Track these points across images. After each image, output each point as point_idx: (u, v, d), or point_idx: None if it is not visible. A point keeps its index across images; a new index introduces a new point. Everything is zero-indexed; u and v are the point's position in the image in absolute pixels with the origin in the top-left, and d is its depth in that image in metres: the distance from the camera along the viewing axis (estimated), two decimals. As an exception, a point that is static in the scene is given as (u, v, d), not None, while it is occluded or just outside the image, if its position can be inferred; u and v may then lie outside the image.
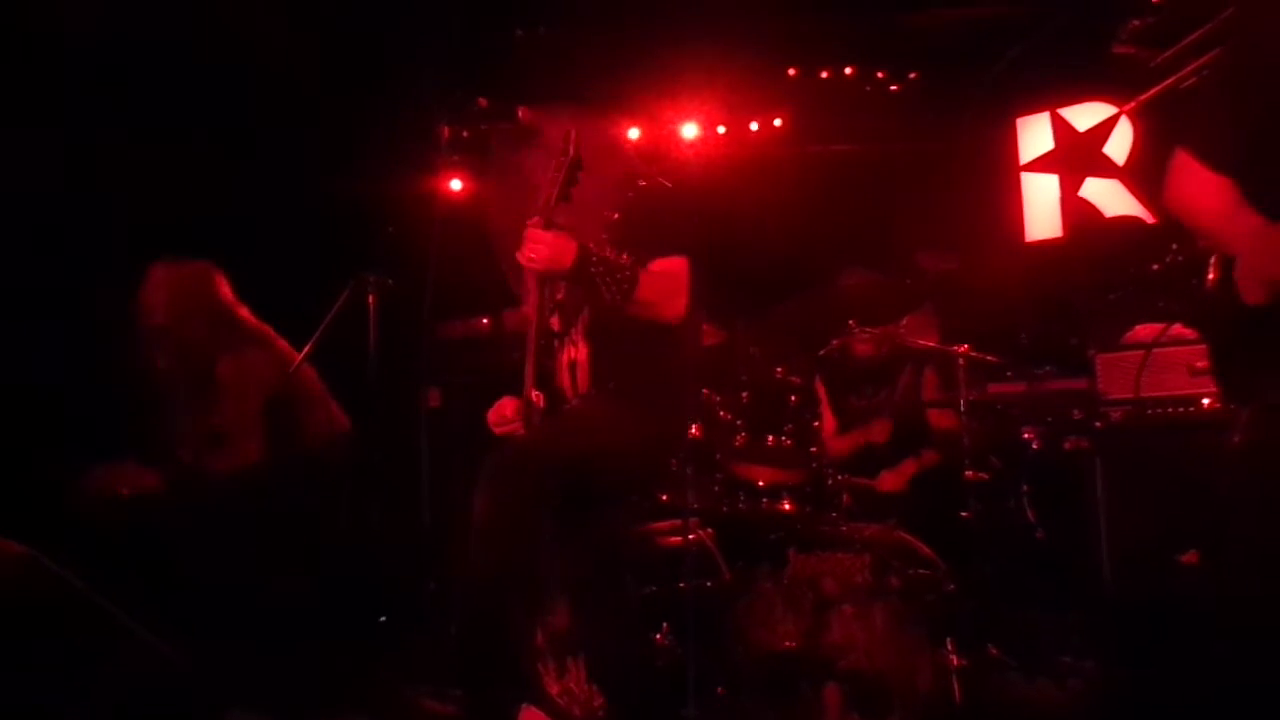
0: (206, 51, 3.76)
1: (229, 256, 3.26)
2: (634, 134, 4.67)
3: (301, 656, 3.18)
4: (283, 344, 3.27)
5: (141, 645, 2.20)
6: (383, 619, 3.69)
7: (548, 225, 2.34)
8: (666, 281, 2.43)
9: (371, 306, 2.95)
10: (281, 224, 3.82)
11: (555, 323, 2.56)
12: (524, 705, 2.74)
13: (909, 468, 3.69)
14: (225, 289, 3.21)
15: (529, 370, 2.44)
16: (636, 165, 2.67)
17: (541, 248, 2.32)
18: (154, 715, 2.23)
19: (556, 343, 2.58)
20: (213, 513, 3.04)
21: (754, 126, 4.89)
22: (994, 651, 3.00)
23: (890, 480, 3.66)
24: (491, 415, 2.61)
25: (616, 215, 2.45)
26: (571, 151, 2.37)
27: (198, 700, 2.32)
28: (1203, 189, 1.99)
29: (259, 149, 3.90)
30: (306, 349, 2.98)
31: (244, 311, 3.24)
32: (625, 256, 2.36)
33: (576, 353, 2.54)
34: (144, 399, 3.17)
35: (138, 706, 2.19)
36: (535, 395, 2.45)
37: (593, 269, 2.32)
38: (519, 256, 2.36)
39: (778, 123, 4.88)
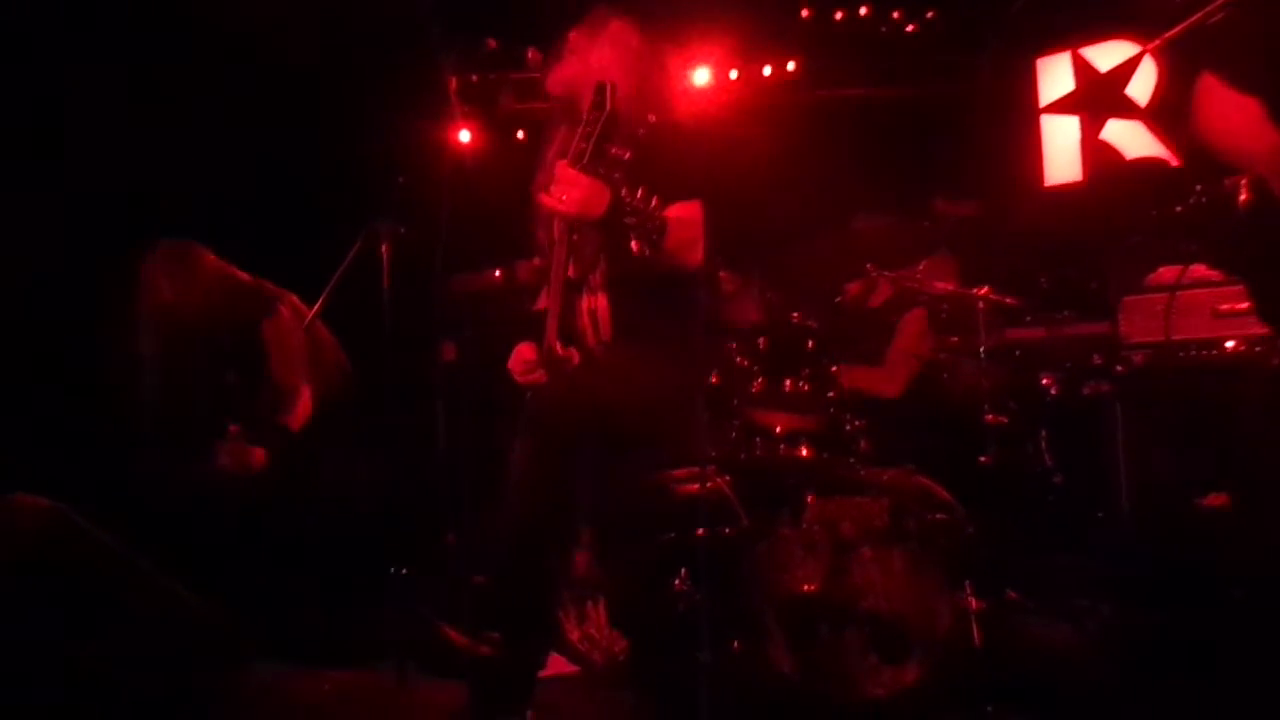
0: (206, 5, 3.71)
1: (240, 206, 3.25)
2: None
3: (326, 607, 3.22)
4: (293, 298, 3.28)
5: (172, 597, 2.23)
6: (403, 571, 3.70)
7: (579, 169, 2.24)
8: (686, 229, 2.35)
9: (384, 256, 2.93)
10: (292, 175, 3.79)
11: (571, 270, 2.50)
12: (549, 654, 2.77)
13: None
14: (210, 259, 3.22)
15: (552, 320, 2.37)
16: (645, 102, 2.49)
17: (575, 190, 2.22)
18: (183, 666, 2.26)
19: (574, 292, 2.51)
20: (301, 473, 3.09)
21: (767, 71, 4.80)
22: (1012, 595, 3.01)
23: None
24: (513, 363, 2.54)
25: (629, 155, 2.32)
26: (608, 106, 2.26)
27: (226, 651, 2.35)
28: (1229, 111, 1.96)
29: (267, 100, 3.86)
30: (321, 299, 2.97)
31: (242, 275, 3.25)
32: (655, 203, 2.25)
33: (595, 302, 2.48)
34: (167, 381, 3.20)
35: (167, 657, 2.21)
36: (559, 346, 2.38)
37: (627, 219, 2.22)
38: (545, 199, 2.28)
39: (791, 66, 4.80)
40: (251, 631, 2.56)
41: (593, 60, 2.44)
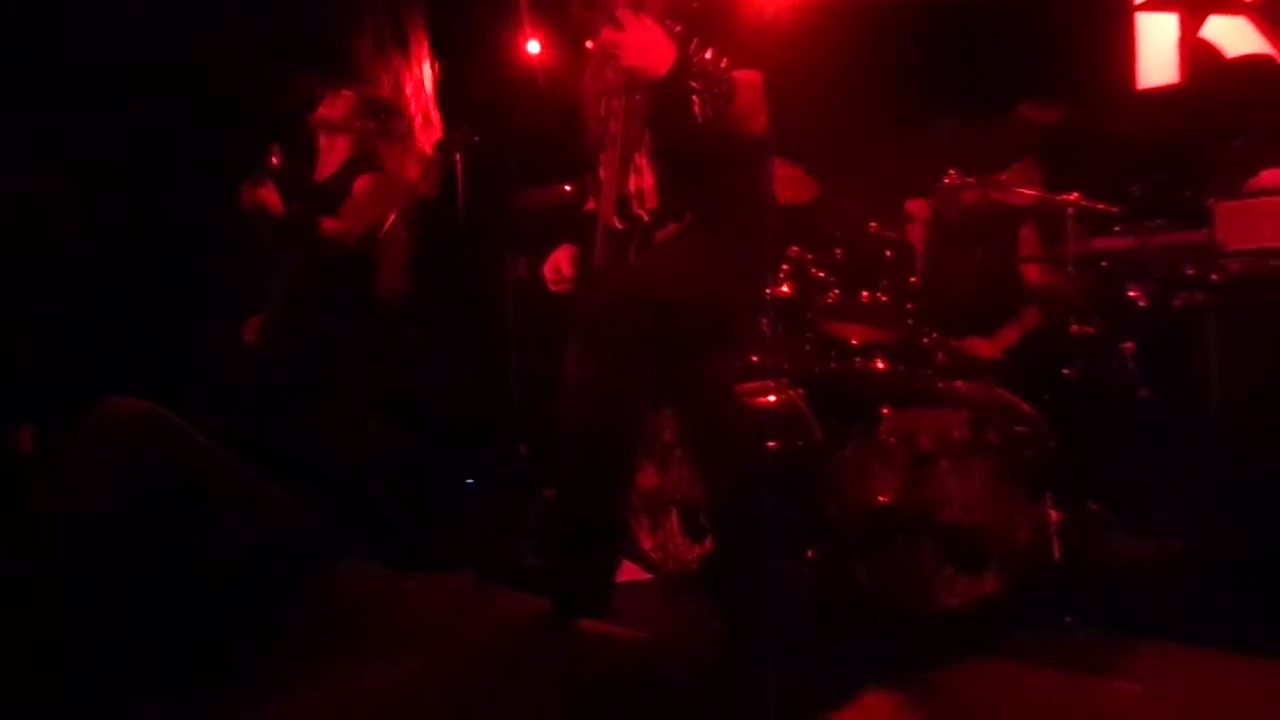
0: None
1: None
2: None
3: (406, 513, 3.31)
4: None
5: (262, 494, 2.29)
6: (470, 481, 3.77)
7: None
8: (751, 92, 2.15)
9: (459, 165, 2.92)
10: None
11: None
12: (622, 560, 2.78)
13: (1010, 335, 3.57)
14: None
15: (609, 193, 2.24)
16: None
17: (638, 40, 2.02)
18: (273, 561, 2.33)
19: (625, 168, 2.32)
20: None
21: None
22: (1094, 507, 2.96)
23: (985, 348, 3.55)
24: (547, 270, 2.45)
25: (680, 28, 2.10)
26: None
27: (314, 548, 2.41)
28: None
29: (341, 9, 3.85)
30: (398, 208, 2.98)
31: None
32: (725, 65, 2.03)
33: (642, 181, 2.30)
34: None
35: (258, 552, 2.29)
36: (618, 221, 2.25)
37: (692, 81, 2.00)
38: (603, 40, 2.10)
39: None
40: (336, 531, 2.63)
41: None
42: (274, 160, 3.09)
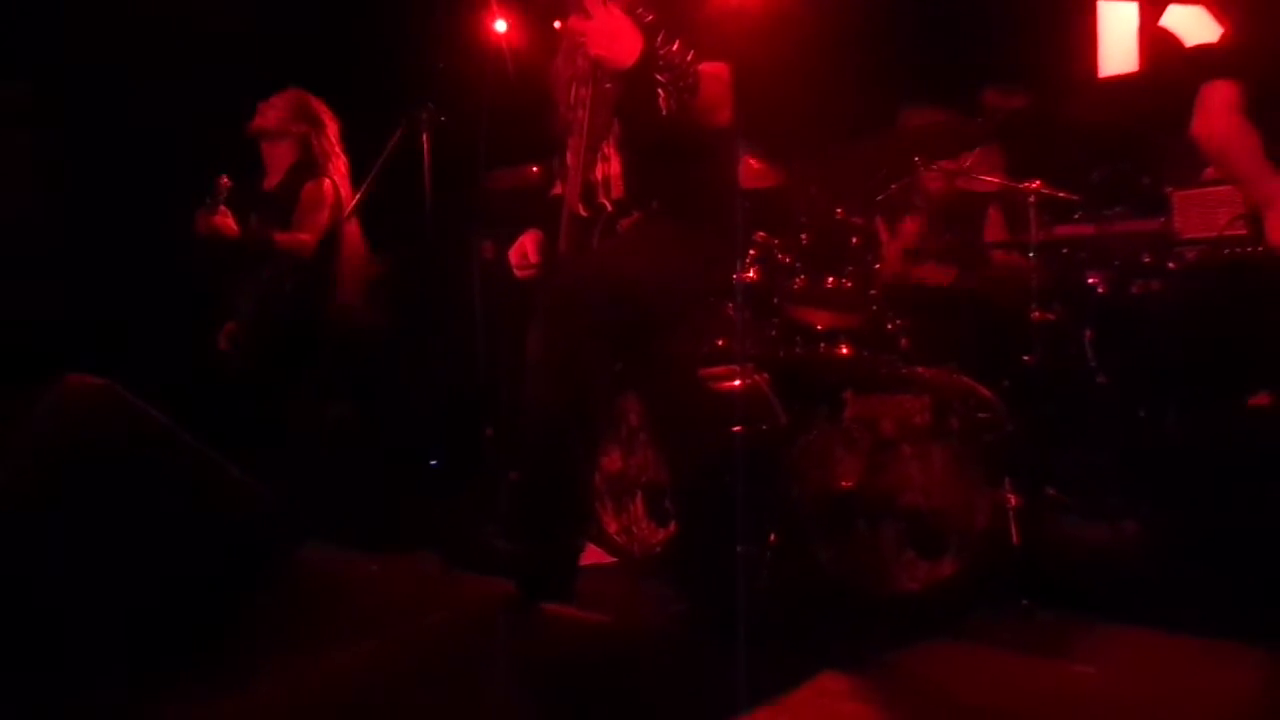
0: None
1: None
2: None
3: (370, 496, 3.29)
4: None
5: (224, 475, 2.27)
6: (434, 464, 3.76)
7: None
8: (716, 85, 2.16)
9: (425, 144, 2.89)
10: (331, 62, 3.74)
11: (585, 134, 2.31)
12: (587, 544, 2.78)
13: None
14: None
15: (575, 180, 2.25)
16: None
17: (607, 29, 2.01)
18: (234, 543, 2.31)
19: (592, 155, 2.34)
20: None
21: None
22: (1052, 492, 3.01)
23: (935, 273, 3.53)
24: (513, 255, 2.46)
25: (651, 17, 2.09)
26: None
27: (278, 530, 2.39)
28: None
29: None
30: (364, 189, 2.95)
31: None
32: (691, 57, 2.02)
33: (609, 169, 2.32)
34: None
35: (219, 533, 2.27)
36: (583, 209, 2.27)
37: (658, 74, 2.00)
38: (570, 27, 2.09)
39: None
40: (301, 513, 2.62)
41: None
42: (224, 183, 3.12)
